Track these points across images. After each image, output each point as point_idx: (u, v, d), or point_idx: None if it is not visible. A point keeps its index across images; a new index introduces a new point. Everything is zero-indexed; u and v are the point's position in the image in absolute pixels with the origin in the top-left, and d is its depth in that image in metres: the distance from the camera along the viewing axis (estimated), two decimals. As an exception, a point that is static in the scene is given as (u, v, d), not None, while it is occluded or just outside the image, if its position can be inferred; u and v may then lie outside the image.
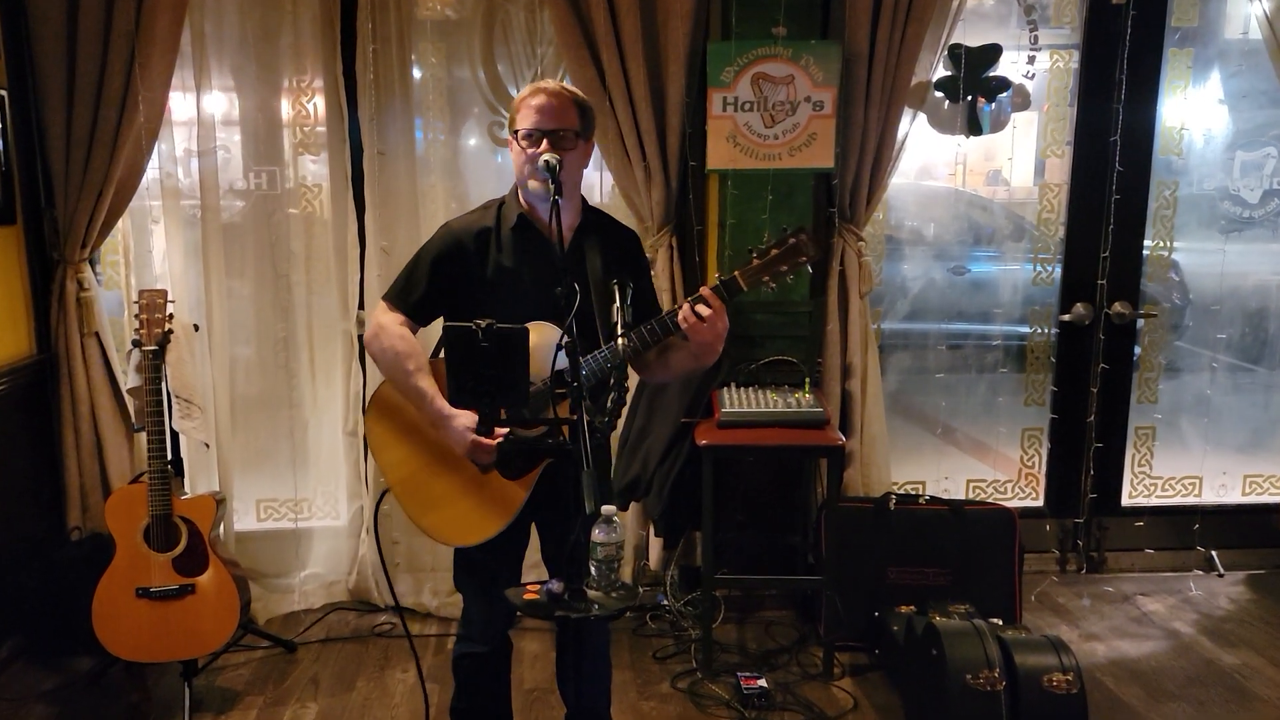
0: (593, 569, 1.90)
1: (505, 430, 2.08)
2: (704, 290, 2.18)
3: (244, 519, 3.82)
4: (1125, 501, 4.16)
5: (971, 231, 4.10)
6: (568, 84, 2.30)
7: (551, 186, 2.08)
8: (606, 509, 1.88)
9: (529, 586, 1.95)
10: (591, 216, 2.40)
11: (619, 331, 2.05)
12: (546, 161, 2.12)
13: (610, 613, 1.87)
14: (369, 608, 3.74)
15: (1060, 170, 3.97)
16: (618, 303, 2.07)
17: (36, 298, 3.46)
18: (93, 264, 3.53)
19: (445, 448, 2.29)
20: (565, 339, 1.87)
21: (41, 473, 3.47)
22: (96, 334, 3.46)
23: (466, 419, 2.15)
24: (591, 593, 1.90)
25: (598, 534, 1.87)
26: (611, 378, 2.20)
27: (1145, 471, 4.17)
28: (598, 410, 2.26)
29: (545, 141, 2.19)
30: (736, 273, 2.24)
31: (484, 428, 1.89)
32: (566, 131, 2.22)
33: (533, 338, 2.13)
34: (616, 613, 1.88)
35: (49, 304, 3.44)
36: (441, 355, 2.27)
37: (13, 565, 3.28)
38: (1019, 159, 4.06)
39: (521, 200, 2.33)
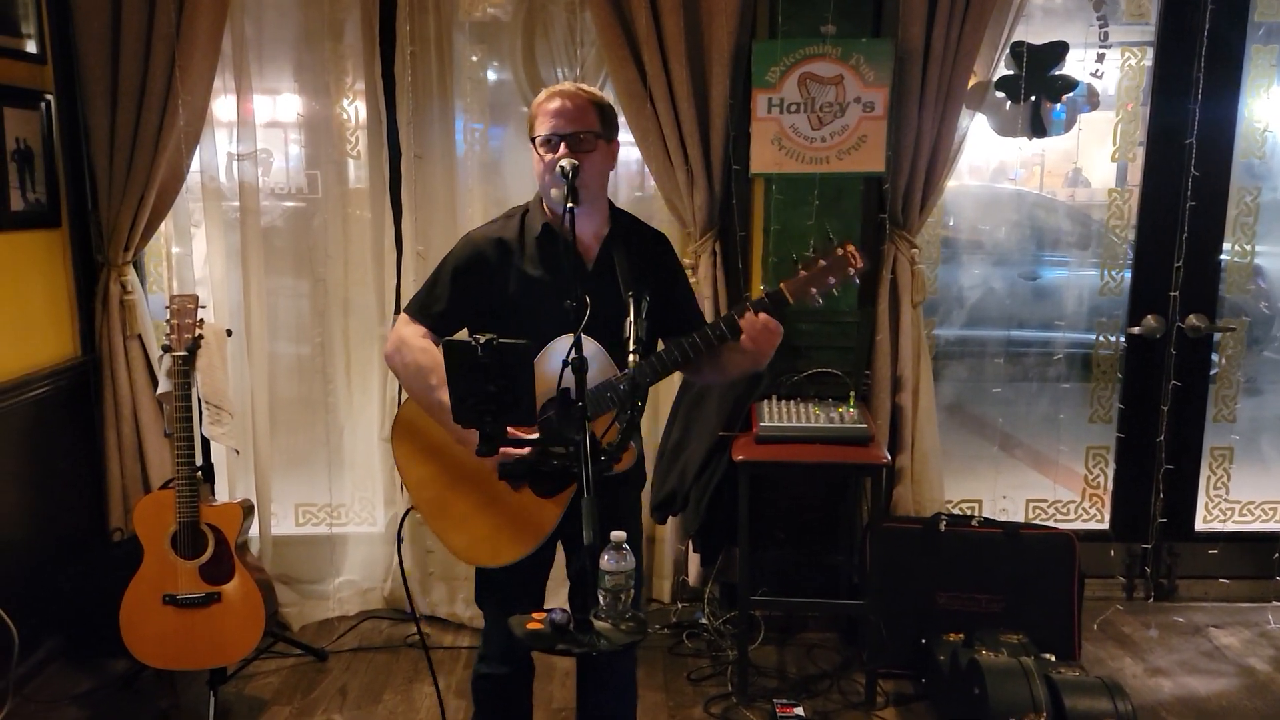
0: (601, 598, 1.80)
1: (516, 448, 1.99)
2: (749, 315, 2.08)
3: (283, 523, 3.81)
4: (1199, 526, 3.91)
5: (1035, 236, 3.90)
6: (585, 85, 2.20)
7: (566, 193, 1.99)
8: (616, 536, 1.78)
9: (534, 615, 1.86)
10: (621, 221, 2.31)
11: (631, 348, 1.94)
12: (562, 167, 2.03)
13: (616, 647, 1.77)
14: (403, 616, 3.70)
15: (1137, 173, 3.74)
16: (631, 317, 1.96)
17: (81, 300, 3.48)
18: (138, 267, 3.55)
19: (472, 466, 2.21)
20: (571, 356, 1.77)
21: (84, 474, 3.50)
22: (139, 336, 3.49)
23: None
24: (599, 624, 1.80)
25: (606, 562, 1.77)
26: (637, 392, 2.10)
27: (1221, 495, 3.91)
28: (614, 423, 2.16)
29: (564, 146, 2.10)
30: (782, 285, 2.14)
31: (486, 446, 1.80)
32: (586, 134, 2.12)
33: (564, 350, 2.05)
34: (623, 647, 1.78)
35: (93, 306, 3.47)
36: None
37: (53, 565, 3.30)
38: (1097, 161, 3.84)
39: (546, 209, 2.24)
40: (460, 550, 2.28)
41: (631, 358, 1.93)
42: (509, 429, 1.87)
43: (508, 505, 2.22)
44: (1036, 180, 3.86)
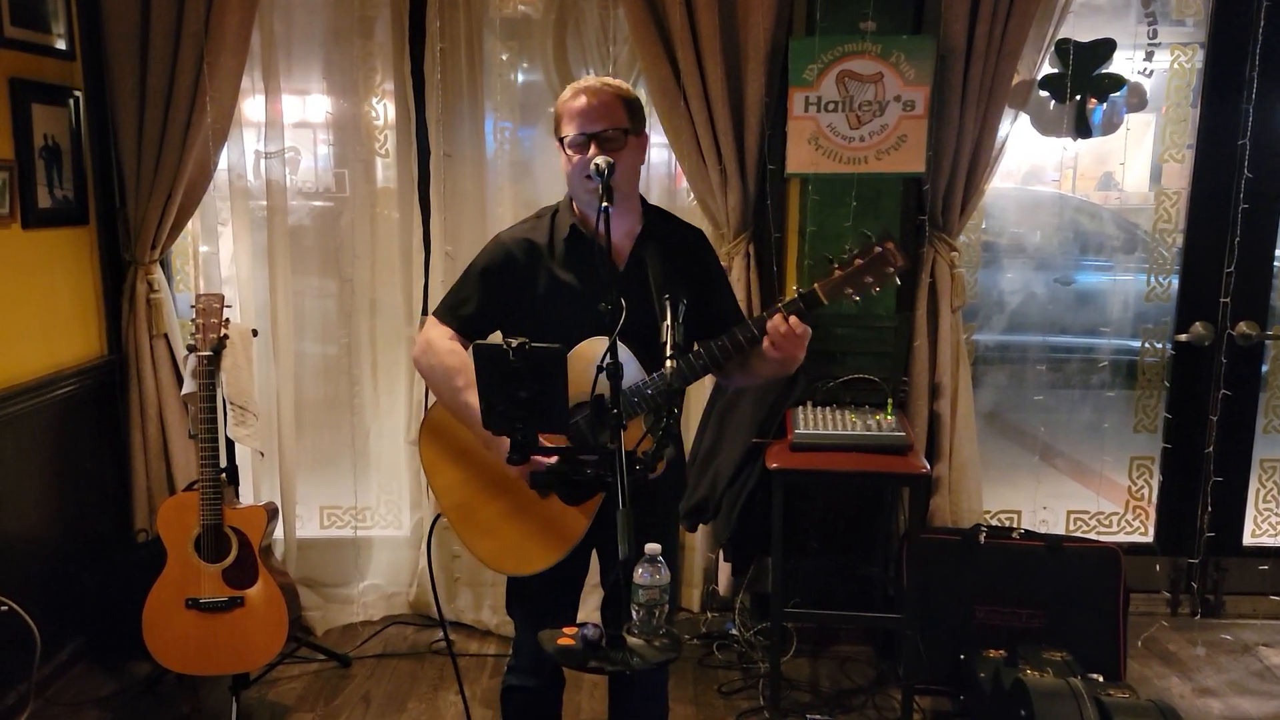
0: (634, 613, 1.72)
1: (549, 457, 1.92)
2: (777, 318, 2.00)
3: (307, 525, 3.77)
4: (1247, 540, 3.78)
5: (1078, 240, 3.79)
6: (610, 79, 2.13)
7: (602, 192, 1.91)
8: (650, 548, 1.71)
9: (565, 630, 1.79)
10: (654, 219, 2.23)
11: (668, 353, 1.86)
12: (596, 165, 1.96)
13: (650, 665, 1.69)
14: (428, 622, 3.64)
15: (1179, 176, 3.63)
16: (668, 321, 1.89)
17: (108, 298, 3.46)
18: (165, 266, 3.52)
19: (500, 472, 2.14)
20: (606, 361, 1.70)
21: (109, 474, 3.47)
22: (165, 336, 3.45)
23: None
24: (631, 640, 1.73)
25: (640, 575, 1.69)
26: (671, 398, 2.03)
27: (1271, 509, 3.78)
28: (650, 432, 2.09)
29: (593, 145, 2.03)
30: (816, 285, 2.04)
31: (516, 455, 1.73)
32: (615, 131, 2.05)
33: (594, 353, 1.97)
34: (657, 665, 1.70)
35: (120, 305, 3.44)
36: None
37: (78, 566, 3.27)
38: (1134, 163, 3.72)
39: (575, 209, 2.18)
40: (486, 557, 2.22)
41: (668, 363, 1.85)
42: (540, 436, 1.80)
43: (536, 512, 2.15)
44: (1068, 184, 3.75)
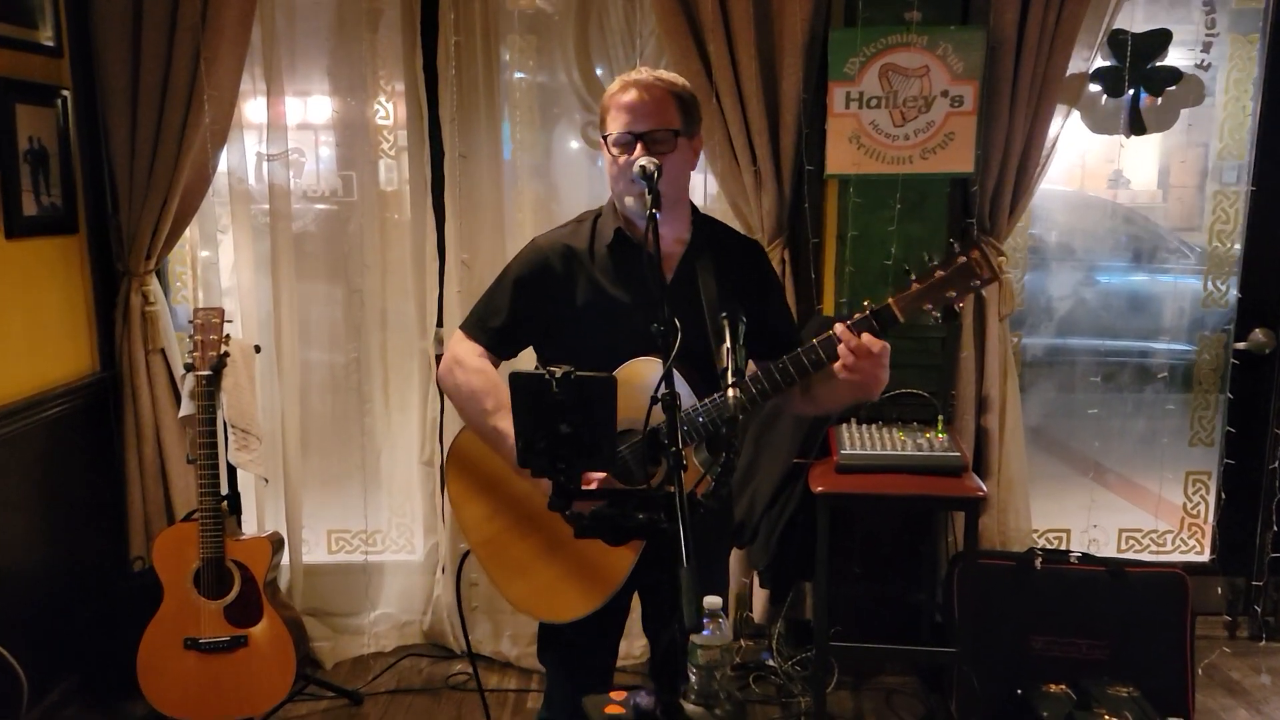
0: (692, 676, 1.51)
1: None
2: (838, 328, 1.79)
3: (314, 551, 3.55)
4: (1311, 561, 3.57)
5: (1131, 245, 3.58)
6: (664, 72, 1.91)
7: (649, 198, 1.70)
8: (711, 601, 1.49)
9: (612, 696, 1.58)
10: (705, 229, 2.03)
11: (729, 380, 1.64)
12: (643, 167, 1.75)
13: (714, 740, 1.48)
14: (444, 653, 3.42)
15: (1187, 172, 3.48)
16: (727, 343, 1.67)
17: (100, 311, 3.24)
18: (161, 276, 3.32)
19: (534, 502, 1.94)
20: (662, 392, 1.48)
21: (103, 499, 3.25)
22: (162, 351, 3.24)
23: None
24: (689, 707, 1.52)
25: (700, 633, 1.49)
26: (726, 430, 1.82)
27: (1337, 527, 3.57)
28: (708, 468, 1.88)
29: (640, 145, 1.83)
30: (890, 300, 1.83)
31: (560, 500, 1.51)
32: (664, 132, 1.85)
33: (640, 374, 1.80)
34: (721, 739, 1.49)
35: (113, 318, 3.22)
36: None
37: (71, 599, 3.06)
38: (1142, 161, 3.55)
39: (619, 213, 1.97)
40: (519, 601, 2.02)
41: (730, 391, 1.64)
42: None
43: (575, 550, 1.94)
44: (1077, 181, 3.54)
